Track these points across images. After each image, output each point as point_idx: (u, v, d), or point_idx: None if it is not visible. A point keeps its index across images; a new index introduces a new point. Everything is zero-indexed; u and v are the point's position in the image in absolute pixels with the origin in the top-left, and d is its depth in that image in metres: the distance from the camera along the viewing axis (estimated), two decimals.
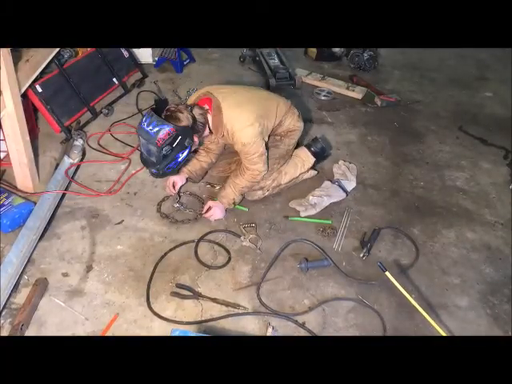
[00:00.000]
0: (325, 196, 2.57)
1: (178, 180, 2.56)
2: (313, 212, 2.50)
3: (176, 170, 2.38)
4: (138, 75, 3.69)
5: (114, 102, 3.34)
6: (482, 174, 2.95)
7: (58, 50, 3.00)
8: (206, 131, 2.36)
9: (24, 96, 2.56)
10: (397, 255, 2.34)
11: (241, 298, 2.09)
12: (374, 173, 2.89)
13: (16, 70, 2.27)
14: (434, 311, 2.07)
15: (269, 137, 2.48)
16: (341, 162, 2.88)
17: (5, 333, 1.84)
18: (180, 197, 2.56)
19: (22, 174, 2.47)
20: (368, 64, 4.07)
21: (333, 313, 2.05)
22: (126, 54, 3.62)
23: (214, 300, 2.06)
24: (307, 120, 3.29)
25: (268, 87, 3.64)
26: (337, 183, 2.67)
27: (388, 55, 4.33)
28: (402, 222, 2.52)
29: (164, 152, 2.17)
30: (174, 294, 2.06)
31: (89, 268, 2.16)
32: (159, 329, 1.92)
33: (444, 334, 1.73)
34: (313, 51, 4.23)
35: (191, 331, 1.81)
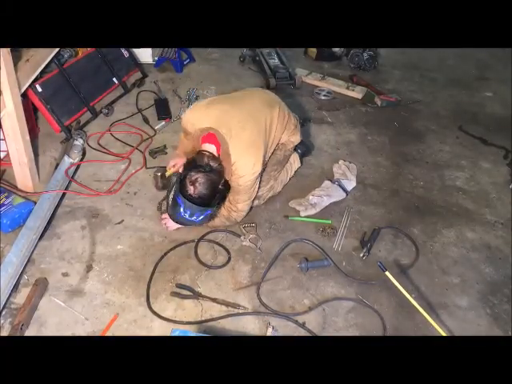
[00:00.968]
0: (325, 196, 2.57)
1: (179, 161, 2.44)
2: (313, 212, 2.50)
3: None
4: (137, 75, 3.68)
5: (114, 101, 3.34)
6: (482, 173, 2.95)
7: (57, 49, 2.99)
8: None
9: (24, 96, 2.55)
10: (397, 255, 2.34)
11: (241, 297, 2.09)
12: (373, 172, 2.89)
13: (16, 70, 2.27)
14: (433, 311, 2.07)
15: None
16: (341, 162, 2.88)
17: (5, 333, 1.84)
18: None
19: (22, 174, 2.47)
20: (368, 64, 4.07)
21: (333, 313, 2.05)
22: (125, 53, 3.62)
23: (214, 300, 2.06)
24: (307, 120, 3.30)
25: (268, 87, 3.64)
26: (337, 183, 2.67)
27: (388, 55, 4.33)
28: (401, 222, 2.52)
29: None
30: (174, 294, 2.06)
31: (89, 268, 2.16)
32: (159, 329, 1.93)
33: (444, 334, 1.73)
34: (313, 51, 4.22)
35: (191, 331, 1.81)
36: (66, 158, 2.72)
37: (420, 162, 3.01)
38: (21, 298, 1.98)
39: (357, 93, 3.67)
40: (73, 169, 2.70)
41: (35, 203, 2.37)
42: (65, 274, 2.13)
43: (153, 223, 2.41)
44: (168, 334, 1.66)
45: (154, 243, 2.31)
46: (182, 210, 2.07)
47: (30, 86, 2.64)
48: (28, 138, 2.42)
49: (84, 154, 2.84)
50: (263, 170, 2.32)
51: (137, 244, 2.30)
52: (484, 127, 3.37)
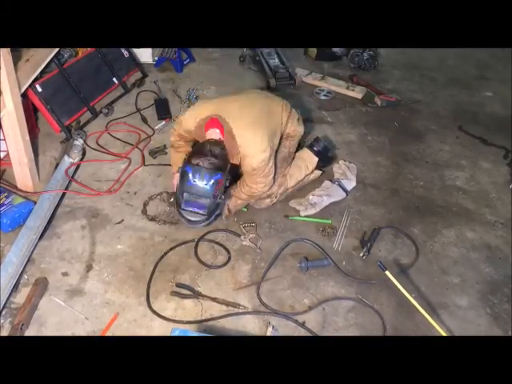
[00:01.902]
0: (325, 196, 2.57)
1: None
2: (313, 211, 2.50)
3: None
4: (137, 75, 3.68)
5: (113, 101, 3.34)
6: (482, 173, 2.95)
7: (57, 49, 2.99)
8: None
9: (24, 96, 2.55)
10: (397, 255, 2.34)
11: (241, 297, 2.09)
12: (373, 172, 2.89)
13: (16, 70, 2.27)
14: (433, 311, 2.07)
15: None
16: (341, 162, 2.88)
17: (5, 333, 1.84)
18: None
19: (22, 174, 2.47)
20: (368, 64, 4.06)
21: (333, 312, 2.05)
22: (125, 53, 3.62)
23: (214, 299, 2.06)
24: (307, 120, 3.30)
25: (268, 87, 3.64)
26: (337, 183, 2.67)
27: (388, 55, 4.33)
28: (401, 222, 2.52)
29: (218, 201, 2.15)
30: (174, 294, 2.06)
31: (89, 267, 2.16)
32: (159, 328, 1.93)
33: (444, 334, 1.74)
34: (313, 51, 4.22)
35: (191, 330, 1.81)
36: (65, 157, 2.72)
37: (420, 162, 3.01)
38: (21, 297, 1.98)
39: (357, 93, 3.67)
40: (73, 168, 2.70)
41: (35, 203, 2.37)
42: (65, 274, 2.13)
43: (153, 223, 2.41)
44: (168, 334, 1.66)
45: (153, 243, 2.31)
46: (190, 176, 2.07)
47: (29, 85, 2.64)
48: (28, 137, 2.42)
49: (84, 153, 2.84)
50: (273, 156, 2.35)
51: (137, 244, 2.30)
52: (484, 127, 3.37)
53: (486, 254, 2.37)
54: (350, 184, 2.72)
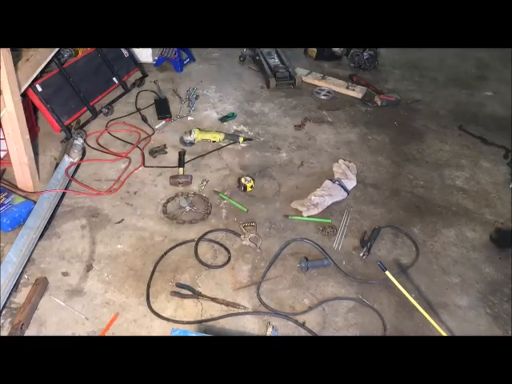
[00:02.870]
0: (326, 196, 2.57)
1: None
2: (315, 212, 2.50)
3: None
4: (137, 74, 3.68)
5: (113, 101, 3.34)
6: (482, 173, 2.95)
7: (57, 49, 2.99)
8: None
9: (24, 95, 2.56)
10: (397, 254, 2.34)
11: (241, 297, 2.09)
12: (374, 172, 2.89)
13: (16, 70, 2.27)
14: (433, 310, 2.07)
15: None
16: (340, 161, 2.88)
17: (5, 332, 1.84)
18: (188, 197, 2.56)
19: (22, 173, 2.47)
20: (368, 63, 4.07)
21: (333, 312, 2.05)
22: (125, 53, 3.62)
23: (214, 299, 2.06)
24: (307, 119, 3.31)
25: (268, 87, 3.64)
26: (337, 183, 2.67)
27: (388, 55, 4.33)
28: (401, 221, 2.53)
29: None
30: (174, 294, 2.06)
31: (89, 267, 2.16)
32: (159, 328, 1.93)
33: (444, 334, 1.74)
34: (313, 50, 4.22)
35: (191, 331, 1.81)
36: (65, 157, 2.71)
37: (420, 162, 3.01)
38: (21, 297, 1.98)
39: (357, 92, 3.67)
40: (73, 168, 2.70)
41: (35, 202, 2.37)
42: (65, 274, 2.13)
43: (153, 222, 2.41)
44: (168, 334, 1.67)
45: (153, 243, 2.31)
46: None
47: (30, 85, 2.64)
48: (28, 137, 2.42)
49: (84, 153, 2.84)
50: None
51: (137, 243, 2.30)
52: (484, 126, 3.37)
53: (486, 254, 2.37)
54: (351, 183, 2.72)
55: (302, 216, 2.49)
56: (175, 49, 3.77)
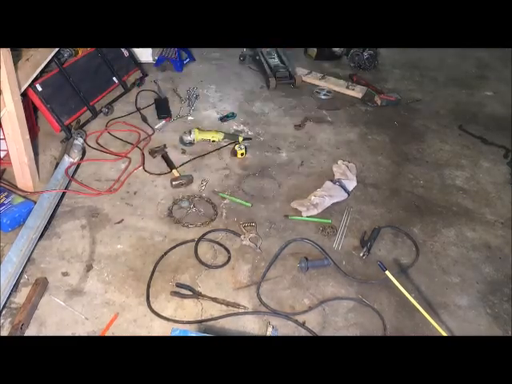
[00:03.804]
0: (326, 196, 2.56)
1: None
2: (314, 212, 2.50)
3: None
4: (137, 74, 3.69)
5: (113, 101, 3.34)
6: (482, 172, 2.95)
7: (57, 49, 2.99)
8: None
9: (24, 95, 2.56)
10: (397, 254, 2.34)
11: (241, 297, 2.09)
12: (374, 172, 2.89)
13: (16, 69, 2.27)
14: (433, 310, 2.07)
15: None
16: (340, 162, 2.88)
17: (5, 332, 1.84)
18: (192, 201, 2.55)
19: (22, 173, 2.47)
20: (368, 63, 4.07)
21: (333, 312, 2.05)
22: (125, 53, 3.62)
23: (214, 299, 2.06)
24: (307, 119, 3.31)
25: (268, 87, 3.64)
26: (338, 183, 2.67)
27: (388, 54, 4.33)
28: (401, 221, 2.52)
29: None
30: (174, 294, 2.06)
31: (89, 267, 2.16)
32: (159, 328, 1.93)
33: (444, 334, 1.74)
34: (313, 50, 4.22)
35: (191, 330, 1.81)
36: (65, 157, 2.71)
37: (420, 162, 3.01)
38: (21, 297, 1.98)
39: (357, 92, 3.67)
40: (73, 168, 2.70)
41: (35, 202, 2.37)
42: (65, 274, 2.13)
43: (153, 222, 2.41)
44: (168, 334, 1.66)
45: (153, 242, 2.31)
46: None
47: (30, 85, 2.64)
48: (28, 137, 2.42)
49: (84, 153, 2.84)
50: None
51: (137, 243, 2.30)
52: (484, 126, 3.37)
53: (486, 254, 2.37)
54: (351, 184, 2.72)
55: (302, 216, 2.49)
56: (175, 49, 3.78)
